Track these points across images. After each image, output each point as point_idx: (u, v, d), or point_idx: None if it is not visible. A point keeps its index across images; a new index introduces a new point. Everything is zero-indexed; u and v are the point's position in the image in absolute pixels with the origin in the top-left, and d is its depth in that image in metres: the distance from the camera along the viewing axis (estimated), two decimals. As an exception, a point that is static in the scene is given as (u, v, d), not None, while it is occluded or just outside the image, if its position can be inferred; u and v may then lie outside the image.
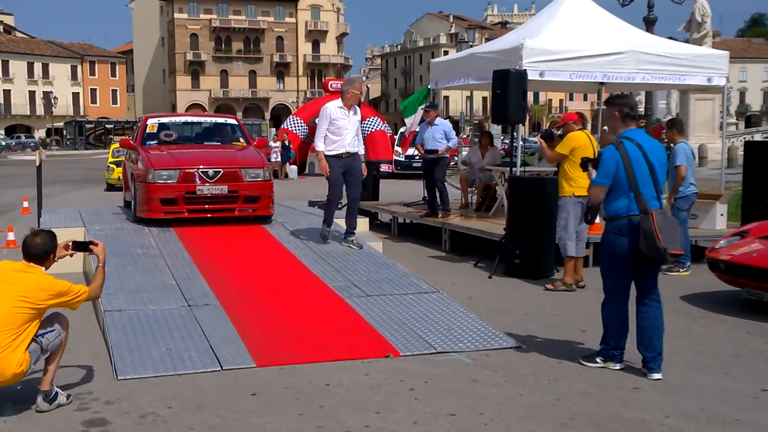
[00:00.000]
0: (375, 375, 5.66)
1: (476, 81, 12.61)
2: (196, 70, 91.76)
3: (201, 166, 10.19)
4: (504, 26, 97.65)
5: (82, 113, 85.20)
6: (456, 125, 30.59)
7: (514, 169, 10.92)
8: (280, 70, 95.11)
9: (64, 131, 77.95)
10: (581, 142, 8.75)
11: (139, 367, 5.73)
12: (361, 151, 9.40)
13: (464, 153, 15.90)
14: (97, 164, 34.47)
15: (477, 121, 33.91)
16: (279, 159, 30.15)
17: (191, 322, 6.69)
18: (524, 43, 10.98)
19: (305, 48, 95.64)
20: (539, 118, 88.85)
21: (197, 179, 10.09)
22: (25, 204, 17.13)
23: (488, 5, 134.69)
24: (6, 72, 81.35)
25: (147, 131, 11.62)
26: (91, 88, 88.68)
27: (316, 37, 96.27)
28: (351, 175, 9.26)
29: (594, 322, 6.43)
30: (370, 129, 29.44)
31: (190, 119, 13.58)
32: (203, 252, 9.02)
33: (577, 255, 8.89)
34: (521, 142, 13.86)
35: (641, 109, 23.66)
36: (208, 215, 10.21)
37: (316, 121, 10.22)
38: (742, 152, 14.64)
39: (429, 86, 14.60)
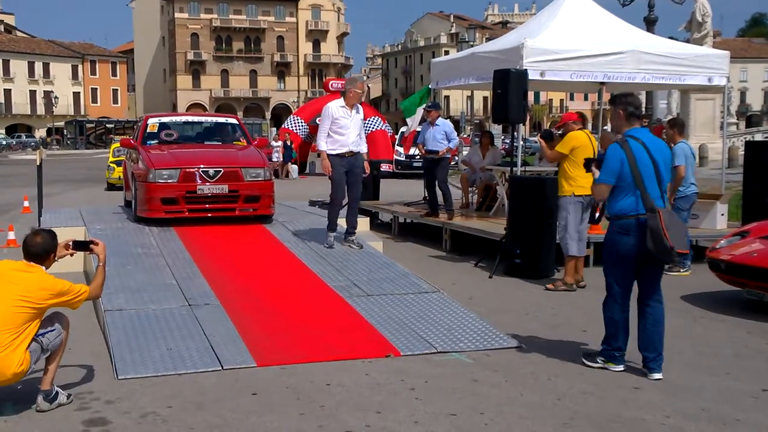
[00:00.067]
0: (375, 375, 5.66)
1: (477, 81, 12.60)
2: (196, 69, 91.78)
3: (201, 166, 10.20)
4: (504, 26, 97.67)
5: (82, 113, 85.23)
6: (457, 125, 30.61)
7: (514, 168, 10.91)
8: (281, 70, 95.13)
9: (65, 131, 77.95)
10: (581, 141, 8.75)
11: (140, 367, 5.74)
12: (364, 149, 9.36)
13: (465, 153, 15.88)
14: (98, 164, 34.48)
15: (477, 121, 33.92)
16: (280, 159, 30.17)
17: (192, 321, 6.69)
18: (525, 42, 10.97)
19: (306, 48, 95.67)
20: (540, 117, 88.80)
21: (198, 179, 10.09)
22: (26, 203, 17.14)
23: (489, 5, 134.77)
24: (7, 71, 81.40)
25: (148, 131, 11.63)
26: (91, 88, 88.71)
27: (317, 37, 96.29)
28: (353, 174, 9.24)
29: (595, 321, 6.43)
30: (370, 129, 29.44)
31: (190, 119, 13.59)
32: (204, 251, 9.02)
33: (578, 254, 8.89)
34: (522, 142, 13.84)
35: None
36: (209, 215, 10.21)
37: (317, 120, 10.22)
38: (743, 152, 14.64)
39: (429, 86, 14.60)
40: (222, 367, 5.77)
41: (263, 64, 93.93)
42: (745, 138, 31.42)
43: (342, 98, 9.23)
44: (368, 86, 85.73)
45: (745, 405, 5.16)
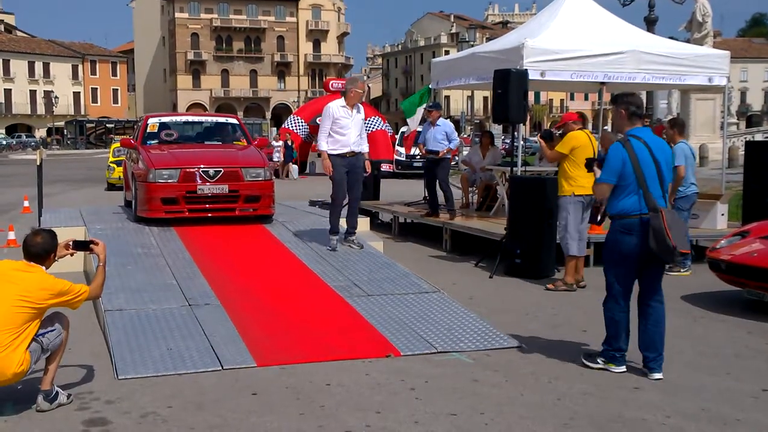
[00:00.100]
0: (376, 375, 5.66)
1: (477, 81, 12.59)
2: (197, 69, 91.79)
3: (202, 166, 10.19)
4: (505, 26, 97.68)
5: (82, 112, 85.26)
6: (457, 125, 30.58)
7: (514, 168, 10.91)
8: (281, 70, 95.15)
9: (65, 130, 77.95)
10: (581, 141, 8.75)
11: (140, 367, 5.74)
12: (366, 149, 9.33)
13: (465, 153, 15.89)
14: (98, 164, 34.48)
15: (478, 121, 33.86)
16: (281, 158, 30.17)
17: (192, 321, 6.69)
18: (525, 42, 10.97)
19: (306, 47, 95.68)
20: (540, 117, 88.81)
21: (198, 179, 10.09)
22: (26, 203, 17.14)
23: (489, 5, 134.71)
24: (7, 71, 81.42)
25: (148, 131, 11.63)
26: (92, 88, 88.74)
27: (317, 37, 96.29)
28: (354, 174, 9.22)
29: (595, 321, 6.43)
30: (371, 128, 29.45)
31: (190, 119, 13.60)
32: (204, 251, 9.02)
33: (578, 254, 8.89)
34: (522, 142, 13.83)
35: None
36: (209, 215, 10.21)
37: (317, 120, 10.21)
38: (743, 152, 14.63)
39: (430, 86, 14.60)
40: (222, 367, 5.77)
41: (263, 63, 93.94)
42: (746, 138, 31.42)
43: (343, 98, 9.21)
44: (368, 86, 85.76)
45: (746, 405, 5.16)
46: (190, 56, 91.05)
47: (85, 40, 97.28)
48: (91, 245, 5.30)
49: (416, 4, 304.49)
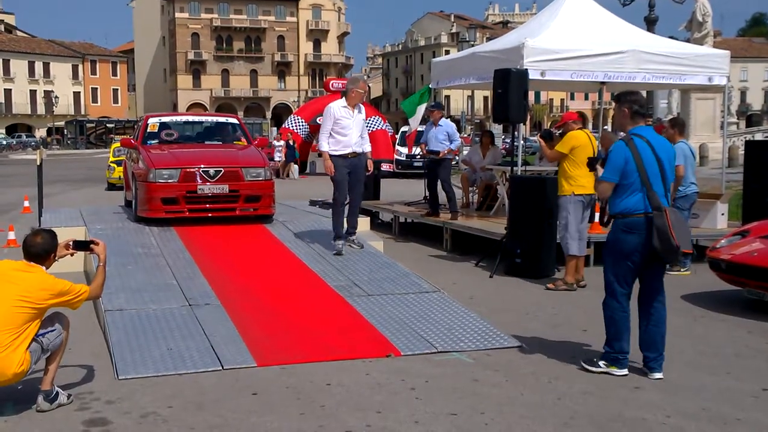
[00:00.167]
0: (376, 374, 5.66)
1: (477, 80, 12.59)
2: (197, 69, 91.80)
3: (202, 166, 10.20)
4: (505, 26, 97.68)
5: (83, 112, 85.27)
6: (457, 124, 30.59)
7: (515, 168, 10.91)
8: (282, 70, 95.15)
9: (65, 130, 77.97)
10: (581, 141, 8.75)
11: (140, 367, 5.74)
12: (368, 149, 9.29)
13: (465, 152, 15.89)
14: (98, 163, 34.48)
15: (478, 121, 33.86)
16: (283, 158, 30.17)
17: (192, 321, 6.69)
18: (525, 42, 10.97)
19: (306, 47, 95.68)
20: (540, 117, 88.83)
21: (198, 178, 10.09)
22: (26, 203, 17.14)
23: (489, 5, 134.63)
24: (7, 71, 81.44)
25: (148, 130, 11.63)
26: (92, 88, 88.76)
27: (318, 37, 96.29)
28: (355, 174, 9.17)
29: (595, 321, 6.43)
30: (371, 128, 29.46)
31: (191, 118, 13.61)
32: (204, 251, 9.02)
33: (579, 254, 8.89)
34: (522, 142, 13.83)
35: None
36: (209, 214, 10.21)
37: (318, 120, 10.21)
38: (743, 152, 14.63)
39: (430, 85, 14.60)
40: (222, 367, 5.77)
41: (264, 63, 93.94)
42: (746, 137, 31.43)
43: (343, 98, 9.19)
44: (369, 86, 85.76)
45: (746, 404, 5.16)
46: (191, 56, 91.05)
47: (85, 40, 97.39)
48: (92, 245, 5.30)
49: (416, 4, 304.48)
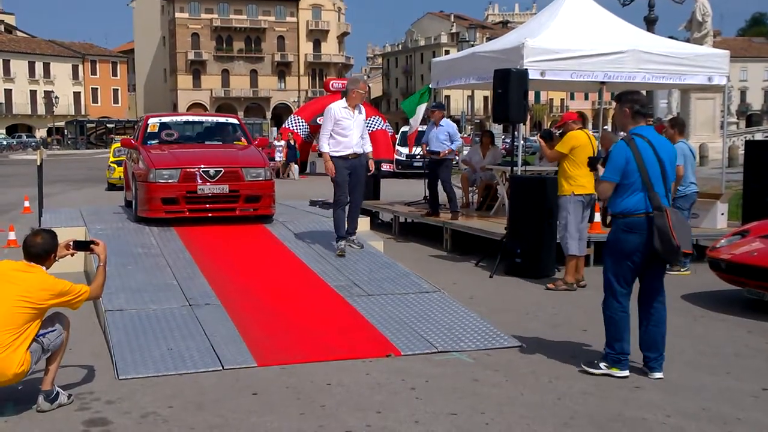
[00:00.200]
0: (376, 374, 5.67)
1: (477, 80, 12.59)
2: (197, 69, 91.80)
3: (202, 166, 10.20)
4: (505, 26, 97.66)
5: (83, 113, 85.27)
6: (457, 124, 30.62)
7: (515, 168, 10.91)
8: (282, 70, 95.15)
9: (65, 131, 77.99)
10: (581, 141, 8.75)
11: (140, 367, 5.74)
12: (369, 149, 9.27)
13: (465, 152, 15.89)
14: (98, 164, 34.49)
15: (478, 121, 33.90)
16: (283, 158, 30.17)
17: (192, 321, 6.69)
18: (525, 42, 10.97)
19: (306, 47, 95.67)
20: (540, 117, 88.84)
21: (198, 179, 10.10)
22: (26, 203, 17.14)
23: (489, 5, 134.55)
24: (7, 71, 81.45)
25: (148, 131, 11.64)
26: (92, 88, 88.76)
27: (318, 37, 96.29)
28: (356, 175, 9.15)
29: (595, 321, 6.43)
30: (371, 128, 29.45)
31: (191, 118, 13.60)
32: (204, 251, 9.02)
33: (579, 254, 8.89)
34: (522, 142, 13.84)
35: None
36: (209, 215, 10.21)
37: (318, 120, 10.20)
38: (743, 151, 14.64)
39: (430, 85, 14.60)
40: (222, 367, 5.77)
41: (264, 63, 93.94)
42: (745, 137, 31.44)
43: (344, 99, 9.18)
44: (369, 86, 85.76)
45: (746, 404, 5.16)
46: (191, 56, 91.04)
47: (85, 40, 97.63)
48: (92, 245, 5.31)
49: (416, 4, 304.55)
